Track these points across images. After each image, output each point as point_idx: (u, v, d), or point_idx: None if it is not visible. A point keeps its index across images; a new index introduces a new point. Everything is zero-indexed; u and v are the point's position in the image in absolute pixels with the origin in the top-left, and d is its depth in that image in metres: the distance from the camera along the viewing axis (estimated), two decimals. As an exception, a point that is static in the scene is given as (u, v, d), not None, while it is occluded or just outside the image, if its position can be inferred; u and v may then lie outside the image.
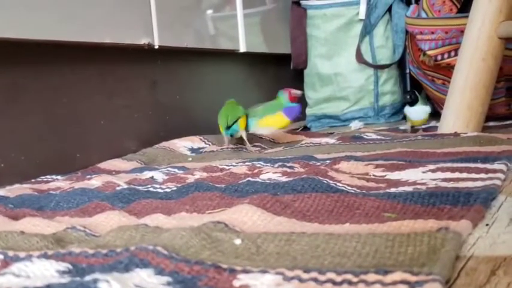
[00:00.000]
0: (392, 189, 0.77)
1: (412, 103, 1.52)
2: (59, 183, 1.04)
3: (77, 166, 1.23)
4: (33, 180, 1.10)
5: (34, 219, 0.70)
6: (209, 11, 1.70)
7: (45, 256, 0.52)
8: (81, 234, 0.64)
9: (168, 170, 1.09)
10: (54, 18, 1.16)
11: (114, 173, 1.16)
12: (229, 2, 1.80)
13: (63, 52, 1.23)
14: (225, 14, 1.81)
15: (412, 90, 1.57)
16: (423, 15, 1.78)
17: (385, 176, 0.89)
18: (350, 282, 0.44)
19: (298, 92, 1.42)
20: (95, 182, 0.99)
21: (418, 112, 1.52)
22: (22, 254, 0.54)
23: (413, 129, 1.57)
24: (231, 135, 1.37)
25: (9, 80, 1.13)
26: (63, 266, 0.50)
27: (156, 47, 1.44)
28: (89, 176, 1.08)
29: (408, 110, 1.53)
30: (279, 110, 1.39)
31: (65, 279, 0.46)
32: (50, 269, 0.49)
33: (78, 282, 0.43)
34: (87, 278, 0.44)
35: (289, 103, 1.40)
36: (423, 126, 1.57)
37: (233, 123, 1.33)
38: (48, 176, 1.13)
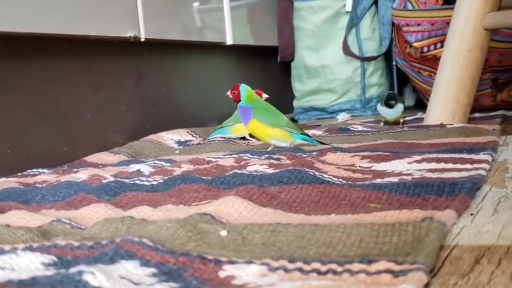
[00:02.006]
0: (378, 180, 0.77)
1: (392, 107, 1.52)
2: (45, 176, 1.04)
3: (64, 159, 1.23)
4: (19, 174, 1.10)
5: (20, 213, 0.70)
6: (196, 4, 1.70)
7: (30, 249, 0.52)
8: (67, 227, 0.64)
9: (155, 163, 1.09)
10: (39, 11, 1.15)
11: (100, 166, 1.16)
12: (215, -6, 1.80)
13: (48, 45, 1.22)
14: (212, 6, 1.80)
15: (393, 95, 1.55)
16: (409, 7, 1.78)
17: (371, 167, 0.90)
18: (335, 272, 0.44)
19: (265, 95, 1.42)
20: (81, 175, 0.99)
21: (398, 111, 1.53)
22: (7, 247, 0.54)
23: (387, 123, 1.57)
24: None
25: (-7, 73, 1.12)
26: (48, 258, 0.50)
27: (142, 39, 1.43)
28: (75, 169, 1.08)
29: (384, 110, 1.53)
30: None
31: (50, 272, 0.46)
32: (35, 262, 0.49)
33: (63, 274, 0.43)
34: (72, 270, 0.44)
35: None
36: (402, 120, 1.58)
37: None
38: (34, 170, 1.13)
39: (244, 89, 1.20)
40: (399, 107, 1.50)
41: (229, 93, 1.21)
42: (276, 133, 1.16)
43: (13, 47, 1.15)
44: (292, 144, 1.17)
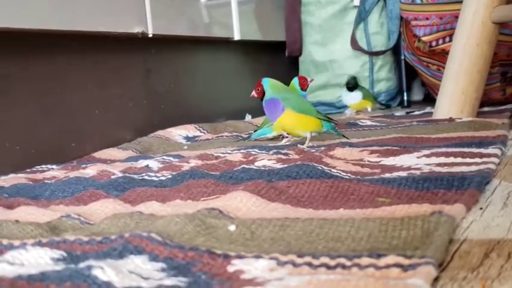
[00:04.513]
0: (387, 175, 0.77)
1: (352, 88, 1.55)
2: (54, 172, 1.04)
3: (72, 156, 1.23)
4: (28, 170, 1.10)
5: (29, 208, 0.70)
6: (203, -1, 1.69)
7: (40, 244, 0.52)
8: (76, 222, 0.64)
9: (163, 159, 1.09)
10: (46, 7, 1.15)
11: (109, 162, 1.16)
12: (223, -10, 1.80)
13: (55, 41, 1.22)
14: (219, 1, 1.80)
15: (354, 76, 1.60)
16: (418, 0, 1.77)
17: (379, 161, 0.89)
18: (344, 266, 0.44)
19: (309, 79, 1.37)
20: (90, 171, 0.99)
21: (353, 97, 1.56)
22: (16, 243, 0.54)
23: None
24: None
25: (2, 70, 1.12)
26: (58, 253, 0.50)
27: (150, 35, 1.43)
28: (84, 165, 1.08)
29: (345, 96, 1.56)
30: None
31: (59, 267, 0.46)
32: (44, 257, 0.49)
33: (73, 269, 0.44)
34: (82, 265, 0.44)
35: (301, 91, 1.38)
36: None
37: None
38: (43, 166, 1.13)
39: (267, 82, 1.11)
40: (357, 93, 1.54)
41: (253, 93, 1.12)
42: (313, 123, 1.08)
43: (21, 43, 1.16)
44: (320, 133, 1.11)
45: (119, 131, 1.39)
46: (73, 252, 0.51)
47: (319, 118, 1.09)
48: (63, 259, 0.49)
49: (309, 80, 1.32)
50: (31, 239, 0.55)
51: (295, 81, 1.32)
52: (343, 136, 1.14)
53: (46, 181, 0.94)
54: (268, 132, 1.32)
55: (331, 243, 0.50)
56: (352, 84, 1.56)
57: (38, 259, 0.49)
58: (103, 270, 0.43)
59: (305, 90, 1.31)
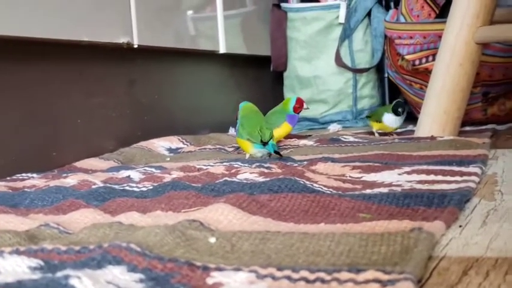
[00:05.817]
0: (368, 191, 0.77)
1: (399, 114, 1.51)
2: (34, 181, 1.03)
3: (53, 165, 1.22)
4: (8, 178, 1.09)
5: (7, 216, 0.70)
6: (189, 12, 1.70)
7: (17, 252, 0.52)
8: (55, 231, 0.64)
9: (145, 170, 1.09)
10: (31, 15, 1.14)
11: (90, 172, 1.16)
12: (209, 3, 1.80)
13: (40, 50, 1.22)
14: (206, 14, 1.80)
15: (401, 103, 1.56)
16: (402, 19, 1.79)
17: (361, 177, 0.90)
18: (323, 281, 0.44)
19: (305, 105, 1.43)
20: (71, 180, 0.98)
21: (398, 122, 1.53)
22: (-7, 250, 0.53)
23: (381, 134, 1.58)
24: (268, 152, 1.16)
25: (-16, 76, 1.11)
26: (35, 262, 0.49)
27: (135, 46, 1.43)
28: (64, 175, 1.07)
29: (391, 118, 1.52)
30: (284, 120, 1.40)
31: (37, 276, 0.46)
32: (21, 265, 0.49)
33: (50, 278, 0.43)
34: (59, 274, 0.44)
35: (292, 112, 1.40)
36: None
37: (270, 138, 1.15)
38: (23, 174, 1.12)
39: (240, 108, 1.25)
40: (402, 119, 1.51)
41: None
42: (245, 145, 1.18)
43: (4, 50, 1.15)
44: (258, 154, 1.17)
45: (101, 141, 1.38)
46: (51, 261, 0.50)
47: (250, 140, 1.16)
48: (41, 268, 0.49)
49: (305, 106, 1.42)
50: (8, 247, 0.54)
51: (292, 100, 1.41)
52: (277, 153, 1.14)
53: (26, 189, 0.93)
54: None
55: (311, 257, 0.50)
56: (403, 110, 1.51)
57: (15, 267, 0.48)
58: (80, 280, 0.42)
59: (298, 113, 1.41)
